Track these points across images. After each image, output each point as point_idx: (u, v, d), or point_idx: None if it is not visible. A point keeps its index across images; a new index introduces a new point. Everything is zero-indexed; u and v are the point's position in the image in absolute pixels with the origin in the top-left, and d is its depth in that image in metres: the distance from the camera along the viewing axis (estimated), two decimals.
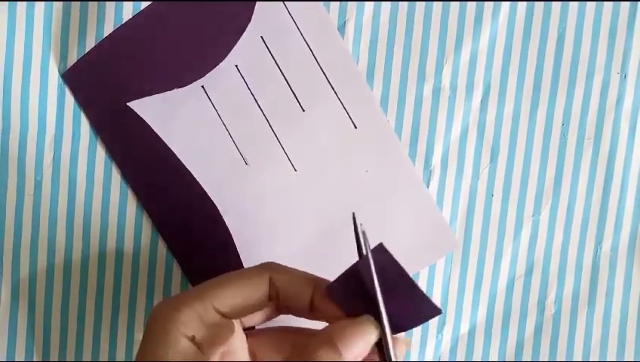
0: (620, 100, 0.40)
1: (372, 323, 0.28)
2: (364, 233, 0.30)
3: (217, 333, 0.27)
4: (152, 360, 0.27)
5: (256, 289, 0.29)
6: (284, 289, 0.29)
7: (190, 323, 0.27)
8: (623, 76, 0.40)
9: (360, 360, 0.28)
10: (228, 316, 0.28)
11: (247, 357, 0.29)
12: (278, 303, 0.30)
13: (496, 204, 0.40)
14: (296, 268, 0.31)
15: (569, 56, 0.40)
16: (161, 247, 0.40)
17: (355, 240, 0.31)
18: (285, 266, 0.31)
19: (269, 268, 0.30)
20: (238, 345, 0.28)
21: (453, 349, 0.41)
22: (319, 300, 0.29)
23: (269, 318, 0.31)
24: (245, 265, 0.39)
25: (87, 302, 0.40)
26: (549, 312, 0.41)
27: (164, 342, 0.27)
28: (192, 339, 0.27)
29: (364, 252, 0.30)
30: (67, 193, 0.40)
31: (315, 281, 0.30)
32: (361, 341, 0.27)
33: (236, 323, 0.29)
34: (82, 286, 0.40)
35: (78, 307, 0.40)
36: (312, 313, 0.30)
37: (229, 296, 0.28)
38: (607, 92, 0.40)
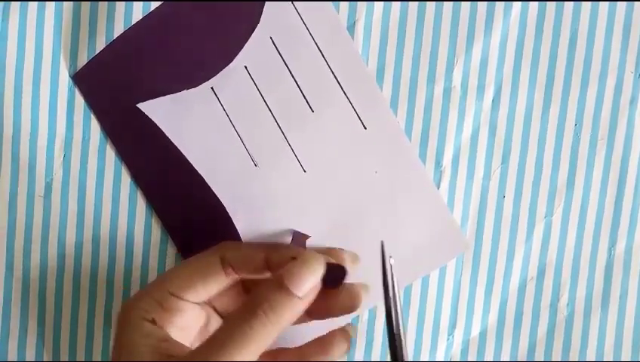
0: (634, 100, 0.39)
1: (316, 257, 0.29)
2: (391, 266, 0.31)
3: (171, 313, 0.30)
4: (123, 346, 0.30)
5: (209, 269, 0.31)
6: (236, 260, 0.31)
7: (150, 308, 0.30)
8: (637, 76, 0.39)
9: (311, 297, 0.29)
10: (185, 298, 0.30)
11: (197, 329, 0.32)
12: (236, 275, 0.32)
13: (508, 205, 0.40)
14: None
15: (582, 56, 0.39)
16: (171, 248, 0.40)
17: (382, 272, 0.31)
18: (238, 242, 0.33)
19: (220, 248, 0.32)
20: (193, 319, 0.31)
21: (464, 352, 0.40)
22: (275, 259, 0.31)
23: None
24: None
25: (97, 303, 0.40)
26: (562, 314, 0.40)
27: (130, 328, 0.30)
28: (152, 321, 0.30)
29: (389, 285, 0.30)
30: (77, 194, 0.40)
31: (265, 245, 0.31)
32: (308, 276, 0.28)
33: (198, 304, 0.32)
34: (92, 286, 0.40)
35: (87, 307, 0.40)
36: (271, 271, 0.31)
37: (183, 279, 0.31)
38: (621, 92, 0.39)
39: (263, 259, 0.31)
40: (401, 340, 0.29)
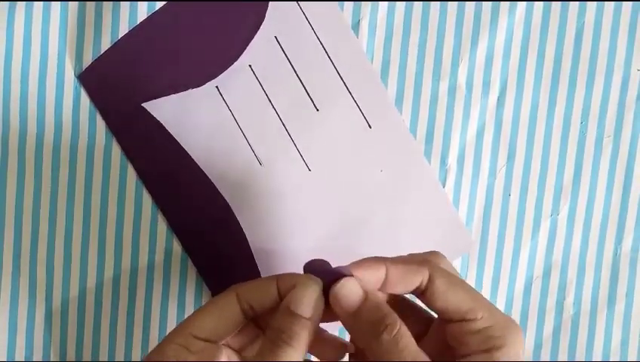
0: (639, 97, 0.39)
1: (310, 277, 0.31)
2: None
3: (196, 355, 0.31)
4: None
5: (227, 310, 0.32)
6: (251, 297, 0.32)
7: (175, 353, 0.31)
8: None
9: (318, 314, 0.31)
10: (207, 339, 0.32)
11: None
12: (256, 314, 0.33)
13: (514, 204, 0.40)
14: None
15: (587, 53, 0.39)
16: (176, 246, 0.40)
17: None
18: (249, 281, 0.33)
19: (234, 288, 0.33)
20: (216, 358, 0.32)
21: None
22: (283, 288, 0.32)
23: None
24: (259, 264, 0.39)
25: (104, 302, 0.40)
26: (568, 313, 0.40)
27: None
28: None
29: None
30: (83, 194, 0.40)
31: (275, 277, 0.32)
32: (308, 294, 0.31)
33: (218, 344, 0.32)
34: (98, 286, 0.40)
35: (94, 306, 0.40)
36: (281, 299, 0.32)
37: (203, 322, 0.32)
38: (627, 89, 0.39)
39: (275, 291, 0.32)
40: None
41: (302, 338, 0.30)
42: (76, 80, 0.40)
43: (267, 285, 0.32)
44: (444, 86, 0.39)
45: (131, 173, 0.40)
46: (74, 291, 0.40)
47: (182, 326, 0.32)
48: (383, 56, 0.39)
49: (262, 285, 0.32)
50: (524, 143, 0.40)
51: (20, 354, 0.40)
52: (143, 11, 0.39)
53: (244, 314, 0.32)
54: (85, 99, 0.40)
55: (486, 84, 0.39)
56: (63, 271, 0.40)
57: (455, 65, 0.39)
